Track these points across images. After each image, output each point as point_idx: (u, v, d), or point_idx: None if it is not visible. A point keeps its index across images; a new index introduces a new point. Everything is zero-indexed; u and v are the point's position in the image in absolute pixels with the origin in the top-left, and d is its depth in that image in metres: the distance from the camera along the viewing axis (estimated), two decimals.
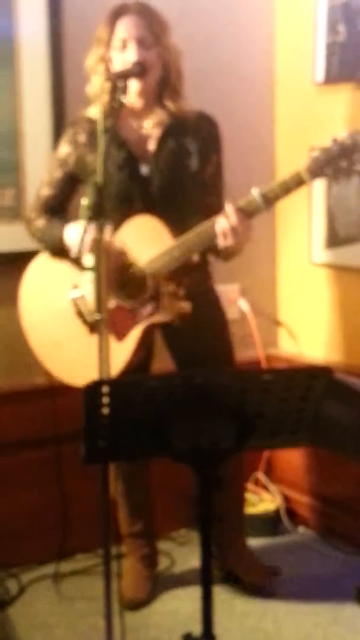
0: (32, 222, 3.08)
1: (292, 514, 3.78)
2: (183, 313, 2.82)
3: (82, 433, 2.04)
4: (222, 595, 3.18)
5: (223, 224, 2.71)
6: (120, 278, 2.84)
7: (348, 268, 3.59)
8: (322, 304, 3.73)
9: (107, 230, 2.69)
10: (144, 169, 2.96)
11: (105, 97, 2.82)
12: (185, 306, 2.82)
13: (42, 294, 3.05)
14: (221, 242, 2.73)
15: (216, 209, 2.80)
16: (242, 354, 3.40)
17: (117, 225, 2.86)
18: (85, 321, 2.88)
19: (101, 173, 2.45)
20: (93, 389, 1.99)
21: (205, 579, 2.17)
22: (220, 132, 3.04)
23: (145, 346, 2.92)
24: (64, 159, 3.03)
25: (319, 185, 3.63)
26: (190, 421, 2.04)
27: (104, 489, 2.48)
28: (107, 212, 2.83)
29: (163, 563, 3.44)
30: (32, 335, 3.09)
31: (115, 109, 2.67)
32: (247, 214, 2.71)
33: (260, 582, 3.24)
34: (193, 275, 2.93)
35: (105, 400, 1.99)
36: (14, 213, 3.38)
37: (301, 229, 3.77)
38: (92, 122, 2.93)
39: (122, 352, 2.83)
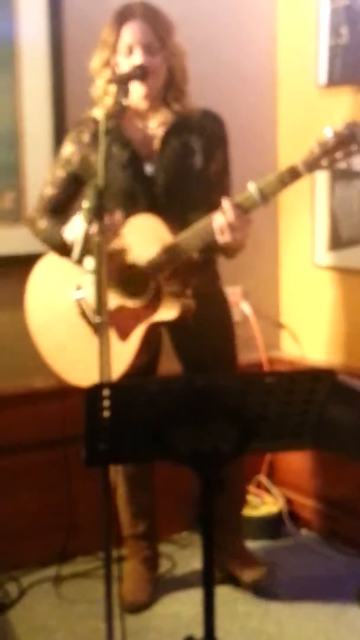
0: (35, 222, 3.08)
1: (294, 516, 3.77)
2: (187, 312, 2.82)
3: (83, 436, 2.03)
4: (223, 597, 3.17)
5: (220, 220, 2.70)
6: (121, 277, 2.84)
7: (351, 270, 3.58)
8: (325, 306, 3.72)
9: (118, 214, 2.69)
10: (148, 168, 2.96)
11: (108, 100, 2.83)
12: (189, 304, 2.82)
13: (47, 295, 3.05)
14: (219, 239, 2.73)
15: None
16: (245, 357, 3.40)
17: None
18: (89, 322, 2.88)
19: (102, 176, 2.45)
20: (94, 392, 1.99)
21: (207, 581, 2.16)
22: (227, 129, 3.02)
23: (149, 346, 2.91)
24: (68, 158, 3.02)
25: (322, 187, 3.63)
26: (192, 424, 2.03)
27: (105, 492, 2.48)
28: (112, 211, 2.86)
29: (164, 566, 3.44)
30: (37, 337, 3.08)
31: (118, 111, 2.69)
32: (244, 209, 2.70)
33: (258, 580, 3.23)
34: (200, 276, 2.94)
35: (106, 403, 1.98)
36: (14, 216, 3.38)
37: (304, 231, 3.77)
38: (96, 122, 2.92)
39: (125, 352, 2.83)
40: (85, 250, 2.46)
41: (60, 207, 3.04)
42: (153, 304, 2.83)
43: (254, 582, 3.24)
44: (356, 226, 3.53)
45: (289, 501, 3.81)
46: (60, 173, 3.04)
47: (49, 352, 3.06)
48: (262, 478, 3.86)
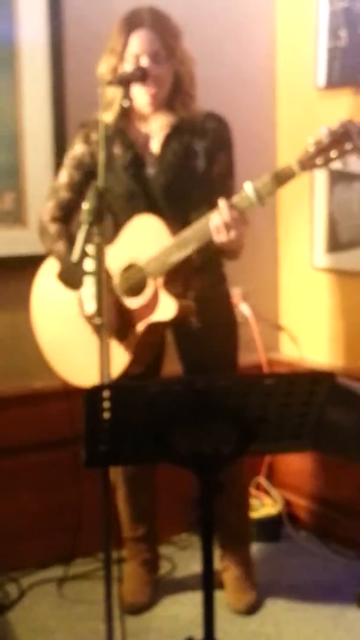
0: (51, 239, 3.02)
1: (293, 518, 3.77)
2: (185, 313, 2.83)
3: (83, 437, 2.04)
4: (223, 599, 3.18)
5: (216, 220, 2.71)
6: (121, 277, 2.85)
7: (349, 272, 3.59)
8: (324, 308, 3.73)
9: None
10: (150, 170, 2.96)
11: (113, 104, 2.84)
12: (187, 305, 2.82)
13: (51, 294, 3.05)
14: (215, 238, 2.73)
15: None
16: (244, 359, 3.40)
17: (124, 225, 2.91)
18: (89, 321, 2.89)
19: (102, 177, 2.46)
20: (94, 393, 1.99)
21: (207, 583, 2.16)
22: (230, 131, 3.02)
23: (149, 346, 2.91)
24: (80, 158, 3.01)
25: (321, 190, 3.64)
26: (192, 426, 2.04)
27: (106, 493, 2.48)
28: (114, 212, 2.86)
29: (164, 567, 3.44)
30: (39, 336, 3.09)
31: (122, 112, 2.71)
32: (240, 209, 2.70)
33: (249, 606, 3.19)
34: (205, 278, 2.95)
35: (106, 404, 1.99)
36: (14, 217, 3.38)
37: (303, 234, 3.77)
38: (104, 125, 2.92)
39: (123, 352, 2.83)
40: (85, 253, 2.46)
41: (73, 210, 3.02)
42: (151, 304, 2.83)
43: (245, 608, 3.18)
44: (355, 228, 3.54)
45: (288, 503, 3.81)
46: (76, 175, 3.01)
47: (50, 351, 3.07)
48: (262, 480, 3.86)
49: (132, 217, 2.88)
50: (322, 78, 3.58)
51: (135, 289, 2.85)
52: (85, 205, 2.44)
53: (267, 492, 3.84)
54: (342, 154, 2.59)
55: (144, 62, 2.83)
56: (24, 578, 3.37)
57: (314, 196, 3.67)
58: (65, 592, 3.32)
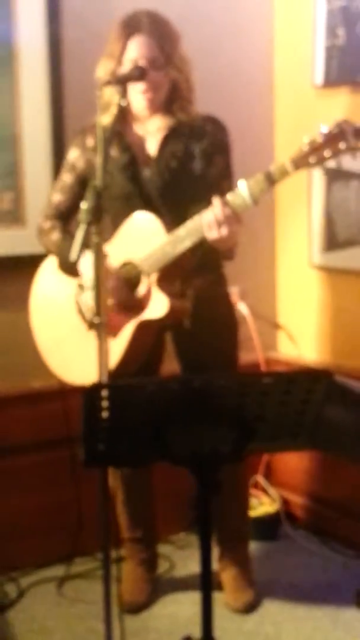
0: (46, 234, 3.07)
1: (291, 517, 3.78)
2: (177, 312, 2.83)
3: (81, 436, 2.04)
4: (221, 598, 3.18)
5: (209, 216, 2.72)
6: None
7: (347, 271, 3.59)
8: (322, 307, 3.73)
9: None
10: (146, 172, 2.97)
11: (114, 109, 2.84)
12: (179, 305, 2.82)
13: (49, 293, 3.06)
14: (207, 235, 2.73)
15: None
16: (242, 358, 3.40)
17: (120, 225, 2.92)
18: (84, 318, 2.89)
19: (100, 176, 2.47)
20: (92, 392, 1.99)
21: (205, 582, 2.16)
22: (228, 135, 3.03)
23: (141, 344, 2.89)
24: (73, 163, 3.04)
25: (319, 189, 3.64)
26: (190, 425, 2.04)
27: (104, 493, 2.48)
28: (111, 213, 2.86)
29: (163, 566, 3.44)
30: (37, 334, 3.09)
31: (120, 114, 2.74)
32: (233, 206, 2.71)
33: (246, 604, 3.19)
34: (205, 278, 2.95)
35: (105, 403, 1.99)
36: (13, 217, 3.38)
37: (301, 232, 3.77)
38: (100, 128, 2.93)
39: (115, 348, 2.83)
40: (83, 251, 2.47)
41: (68, 214, 3.05)
42: (144, 302, 2.84)
43: (243, 607, 3.18)
44: (353, 227, 3.54)
45: (286, 502, 3.81)
46: (68, 179, 3.05)
47: (46, 350, 3.07)
48: (260, 478, 3.86)
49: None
50: (319, 76, 3.58)
51: (129, 286, 2.86)
52: (84, 205, 2.45)
53: (265, 491, 3.84)
54: (336, 154, 2.59)
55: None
56: (23, 578, 3.37)
57: (312, 195, 3.67)
58: (64, 591, 3.32)
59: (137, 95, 2.88)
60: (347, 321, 3.63)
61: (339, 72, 3.51)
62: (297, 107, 3.74)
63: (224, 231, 2.71)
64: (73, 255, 2.46)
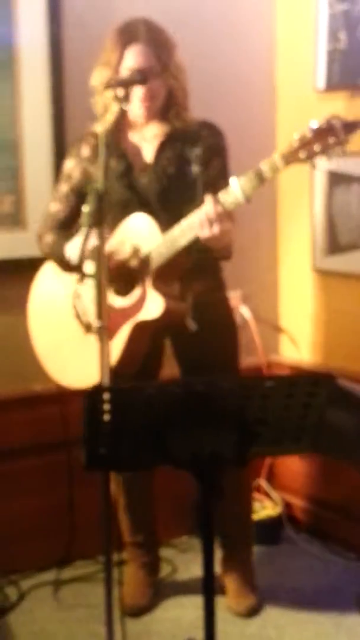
0: (41, 238, 3.08)
1: (294, 520, 3.77)
2: (172, 314, 2.83)
3: (82, 439, 2.03)
4: (224, 602, 3.17)
5: (200, 214, 2.72)
6: (111, 276, 2.85)
7: (349, 275, 3.59)
8: (324, 310, 3.73)
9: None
10: (143, 179, 2.97)
11: (110, 116, 2.84)
12: (175, 306, 2.82)
13: (48, 297, 3.06)
14: (199, 233, 2.73)
15: None
16: (244, 361, 3.40)
17: None
18: (81, 321, 2.89)
19: (102, 180, 2.47)
20: (94, 395, 1.99)
21: (208, 586, 2.16)
22: (225, 139, 3.03)
23: (138, 345, 2.89)
24: (69, 173, 3.06)
25: (320, 192, 3.64)
26: (192, 428, 2.03)
27: (106, 497, 2.48)
28: (109, 220, 2.86)
29: (165, 570, 3.44)
30: (34, 338, 3.09)
31: (117, 121, 2.77)
32: (226, 205, 2.70)
33: (249, 609, 3.19)
34: (204, 282, 2.95)
35: (106, 406, 1.98)
36: (13, 220, 3.38)
37: (303, 236, 3.77)
38: (96, 136, 2.94)
39: (112, 350, 2.83)
40: (85, 254, 2.47)
41: (66, 222, 3.05)
42: (139, 304, 2.84)
43: (246, 611, 3.18)
44: (355, 231, 3.54)
45: (288, 505, 3.80)
46: (64, 188, 3.07)
47: (43, 353, 3.08)
48: (262, 482, 3.86)
49: None
50: (321, 80, 3.58)
51: (124, 287, 2.86)
52: (85, 208, 2.46)
53: (267, 495, 3.84)
54: (326, 148, 2.59)
55: None
56: (24, 581, 3.37)
57: (314, 198, 3.67)
58: (65, 595, 3.32)
59: (135, 103, 2.88)
60: (349, 324, 3.63)
61: (340, 76, 3.51)
62: (299, 111, 3.74)
63: (216, 229, 2.71)
64: (74, 258, 2.46)
